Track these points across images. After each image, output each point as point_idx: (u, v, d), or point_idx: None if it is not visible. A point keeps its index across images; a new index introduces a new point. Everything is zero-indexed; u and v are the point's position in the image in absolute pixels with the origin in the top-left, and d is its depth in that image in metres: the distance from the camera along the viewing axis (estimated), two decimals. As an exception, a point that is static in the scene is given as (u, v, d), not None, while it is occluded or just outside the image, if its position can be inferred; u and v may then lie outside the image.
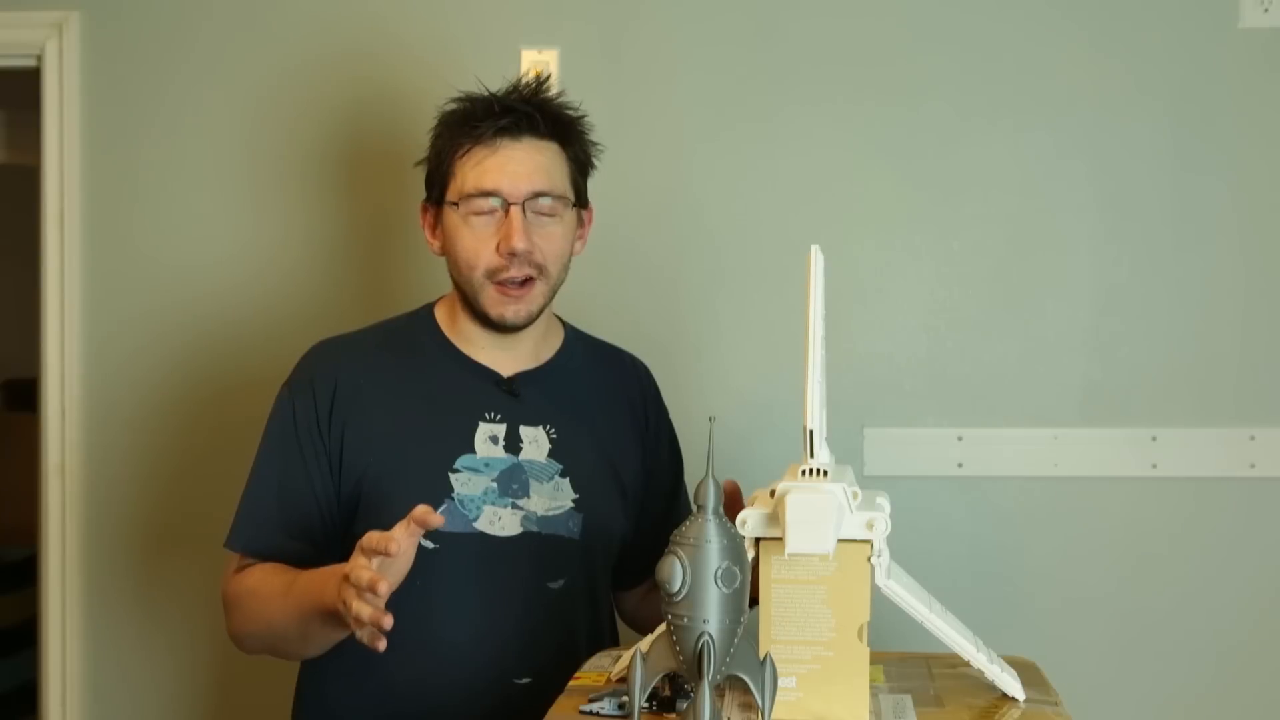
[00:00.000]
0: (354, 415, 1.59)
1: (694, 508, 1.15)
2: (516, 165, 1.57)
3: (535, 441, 1.62)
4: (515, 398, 1.63)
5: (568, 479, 1.62)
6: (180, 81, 2.28)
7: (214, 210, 2.29)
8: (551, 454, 1.62)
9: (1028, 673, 1.35)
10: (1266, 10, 2.12)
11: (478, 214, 1.57)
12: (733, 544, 1.13)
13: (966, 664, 1.31)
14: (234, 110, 2.28)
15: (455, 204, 1.58)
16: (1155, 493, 2.15)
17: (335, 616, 1.39)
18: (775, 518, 1.20)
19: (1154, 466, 2.14)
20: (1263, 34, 2.13)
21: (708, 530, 1.12)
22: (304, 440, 1.59)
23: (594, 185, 2.21)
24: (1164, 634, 2.15)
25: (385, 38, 2.24)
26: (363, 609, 1.30)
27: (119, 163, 2.29)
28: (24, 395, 4.18)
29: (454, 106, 1.63)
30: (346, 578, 1.32)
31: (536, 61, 2.21)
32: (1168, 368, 2.15)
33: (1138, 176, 2.15)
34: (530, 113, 1.59)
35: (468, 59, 2.21)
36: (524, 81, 1.63)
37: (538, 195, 1.58)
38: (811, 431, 1.19)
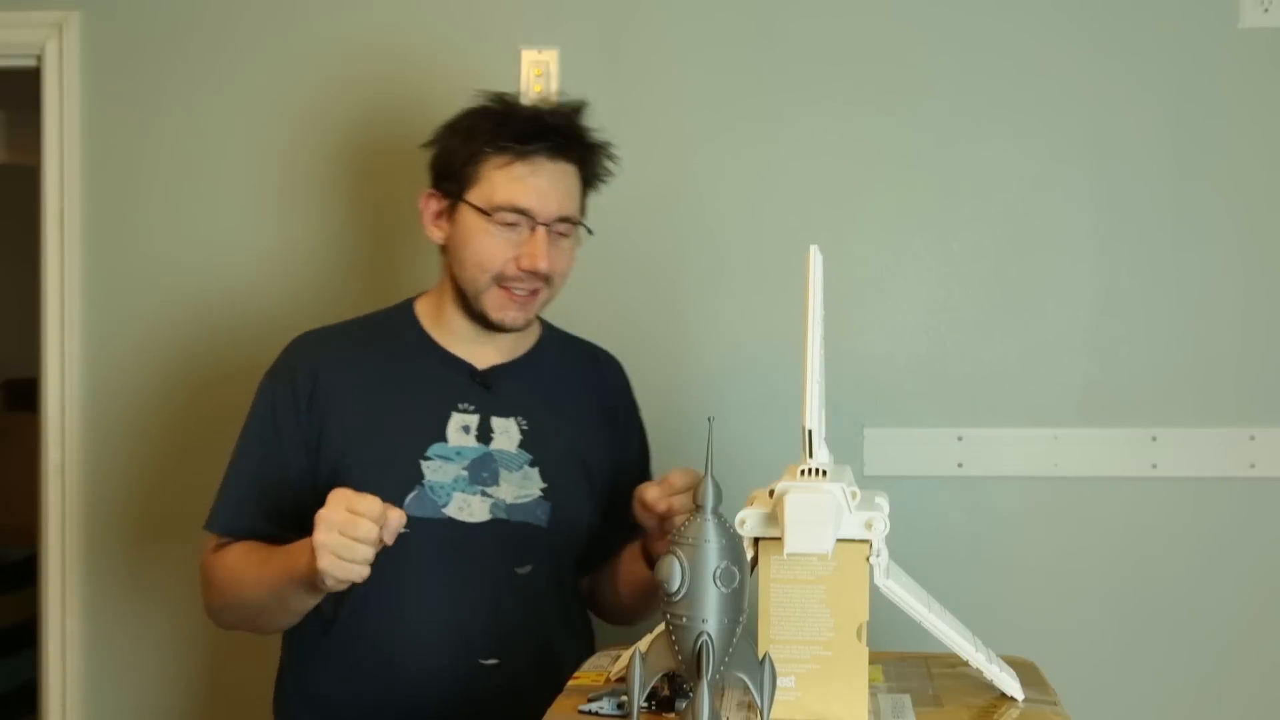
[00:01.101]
0: (333, 404, 1.65)
1: (693, 507, 1.15)
2: (550, 187, 1.63)
3: (506, 432, 1.67)
4: (488, 390, 1.69)
5: (537, 469, 1.67)
6: (180, 81, 2.28)
7: (214, 210, 2.29)
8: (522, 444, 1.67)
9: (1026, 672, 1.35)
10: (1266, 10, 2.12)
11: (506, 225, 1.62)
12: (731, 543, 1.13)
13: (965, 664, 1.32)
14: (233, 110, 2.28)
15: (484, 212, 1.62)
16: (1155, 493, 2.15)
17: (308, 583, 1.46)
18: (774, 518, 1.20)
19: (1154, 466, 2.14)
20: (1263, 34, 2.12)
21: (706, 530, 1.12)
22: (284, 428, 1.65)
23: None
24: (1163, 634, 2.15)
25: (385, 37, 2.24)
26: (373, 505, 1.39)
27: (119, 163, 2.30)
28: (24, 395, 4.18)
29: (490, 106, 1.67)
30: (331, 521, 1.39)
31: (536, 61, 2.21)
32: (1168, 368, 2.15)
33: (1138, 177, 2.15)
34: (569, 137, 1.65)
35: (468, 59, 2.21)
36: (566, 100, 1.70)
37: (563, 219, 1.65)
38: (810, 431, 1.20)
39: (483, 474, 1.64)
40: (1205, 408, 2.14)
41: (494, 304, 1.65)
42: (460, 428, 1.65)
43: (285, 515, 1.63)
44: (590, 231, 1.72)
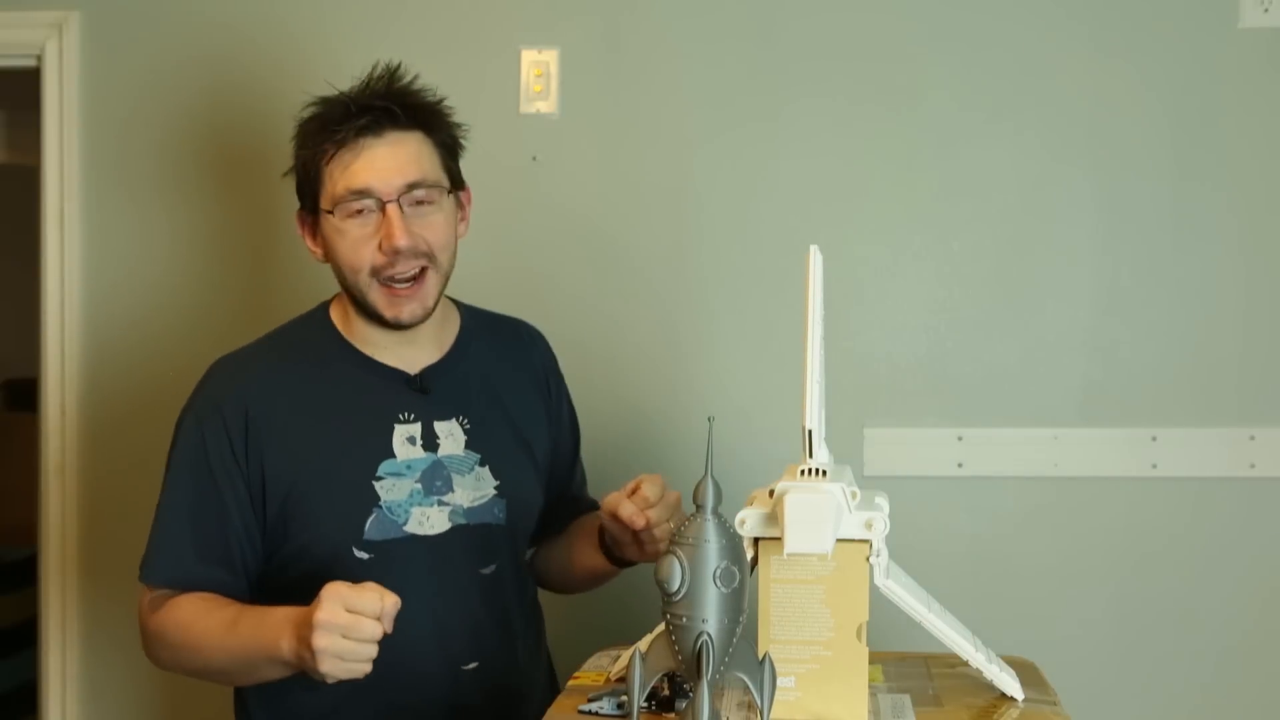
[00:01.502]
0: (270, 437, 1.57)
1: (693, 507, 1.15)
2: (384, 161, 1.55)
3: (451, 435, 1.63)
4: (426, 394, 1.63)
5: (487, 467, 1.64)
6: (180, 81, 2.28)
7: (213, 210, 2.29)
8: (468, 445, 1.63)
9: (1026, 672, 1.35)
10: (1266, 10, 2.12)
11: (353, 216, 1.55)
12: (731, 543, 1.13)
13: (965, 664, 1.32)
14: (233, 109, 2.28)
15: (330, 211, 1.57)
16: (1155, 493, 2.15)
17: (292, 665, 1.41)
18: (774, 518, 1.20)
19: (1154, 466, 2.14)
20: (1263, 34, 2.13)
21: (706, 530, 1.12)
22: (217, 470, 1.57)
23: (594, 184, 2.22)
24: (1164, 634, 2.15)
25: (386, 37, 2.24)
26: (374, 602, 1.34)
27: (119, 163, 2.30)
28: (24, 395, 4.18)
29: (310, 112, 1.62)
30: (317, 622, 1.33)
31: (536, 61, 2.21)
32: (1168, 368, 2.15)
33: (1138, 176, 2.15)
34: (387, 106, 1.56)
35: (468, 59, 2.21)
36: (376, 75, 1.61)
37: (412, 187, 1.56)
38: (810, 431, 1.20)
39: (436, 483, 1.59)
40: (1205, 408, 2.14)
41: (382, 304, 1.57)
42: (405, 439, 1.60)
43: (228, 559, 1.57)
44: (460, 188, 1.64)
